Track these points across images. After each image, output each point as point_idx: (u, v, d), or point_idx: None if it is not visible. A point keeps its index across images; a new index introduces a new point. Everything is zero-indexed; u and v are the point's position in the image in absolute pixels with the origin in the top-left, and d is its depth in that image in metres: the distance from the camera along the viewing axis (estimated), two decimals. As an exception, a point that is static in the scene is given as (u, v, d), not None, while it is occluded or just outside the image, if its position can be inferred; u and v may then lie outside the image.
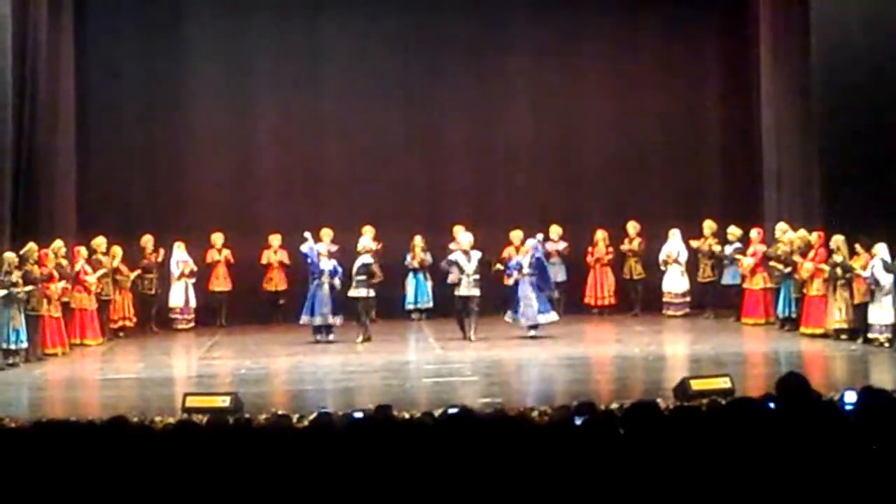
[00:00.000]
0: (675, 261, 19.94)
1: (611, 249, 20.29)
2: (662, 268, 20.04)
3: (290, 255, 19.78)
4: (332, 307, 17.82)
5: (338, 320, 17.87)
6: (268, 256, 20.21)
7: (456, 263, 17.61)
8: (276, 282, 20.24)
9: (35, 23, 18.27)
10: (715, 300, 19.59)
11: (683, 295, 20.00)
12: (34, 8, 18.26)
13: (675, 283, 20.00)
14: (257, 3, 21.09)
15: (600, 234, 20.26)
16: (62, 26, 19.38)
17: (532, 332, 17.47)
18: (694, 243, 19.70)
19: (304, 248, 17.98)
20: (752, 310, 18.82)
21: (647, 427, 5.88)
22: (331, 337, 17.81)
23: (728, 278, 19.35)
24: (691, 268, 19.90)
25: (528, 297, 17.52)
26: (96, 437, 6.27)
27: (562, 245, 20.13)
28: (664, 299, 20.05)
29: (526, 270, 17.58)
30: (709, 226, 19.58)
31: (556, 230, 20.12)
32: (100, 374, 15.91)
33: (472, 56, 21.20)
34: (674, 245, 19.99)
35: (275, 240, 20.14)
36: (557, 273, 19.74)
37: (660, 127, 21.22)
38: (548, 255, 18.99)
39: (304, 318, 17.89)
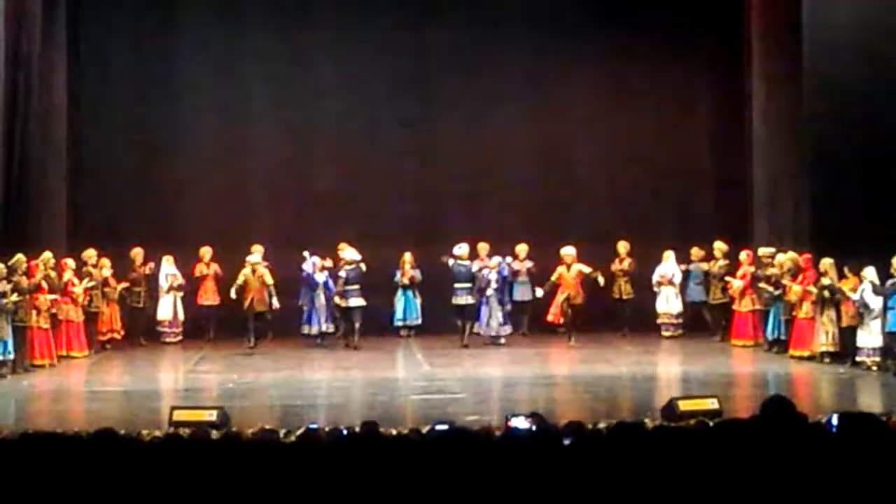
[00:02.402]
0: (670, 282, 19.90)
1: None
2: (656, 289, 19.98)
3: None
4: (326, 316, 19.04)
5: (331, 327, 19.11)
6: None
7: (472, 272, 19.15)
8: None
9: (28, 31, 18.23)
10: (725, 322, 19.39)
11: (677, 316, 19.96)
12: (27, 16, 18.22)
13: (669, 304, 19.96)
14: (251, 14, 21.10)
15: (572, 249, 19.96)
16: (55, 35, 19.38)
17: (493, 342, 18.89)
18: (704, 266, 19.62)
19: (305, 266, 19.00)
20: (741, 331, 18.85)
21: (634, 447, 5.89)
22: (325, 342, 18.99)
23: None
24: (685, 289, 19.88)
25: (494, 309, 18.91)
26: (83, 450, 6.24)
27: (529, 264, 20.09)
28: (659, 321, 20.00)
29: (494, 286, 18.88)
30: (719, 247, 19.50)
31: (522, 249, 20.07)
32: (87, 386, 15.88)
33: (463, 75, 21.19)
34: (668, 267, 19.96)
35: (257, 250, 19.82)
36: (524, 292, 19.84)
37: (651, 148, 21.25)
38: (515, 273, 19.66)
39: (305, 328, 19.12)
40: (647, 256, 20.13)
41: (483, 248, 19.54)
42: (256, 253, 19.23)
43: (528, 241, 20.15)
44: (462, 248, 19.27)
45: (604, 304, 20.03)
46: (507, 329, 19.23)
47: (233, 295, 18.81)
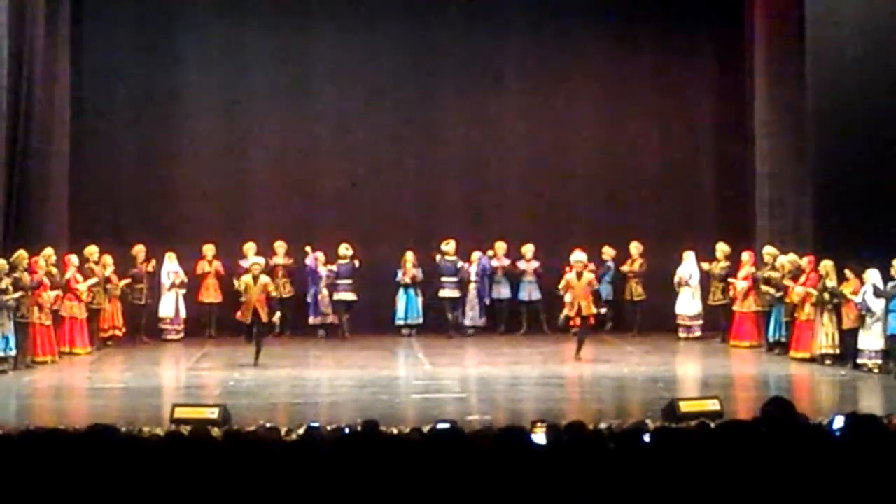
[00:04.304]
0: (687, 283, 19.85)
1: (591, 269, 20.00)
2: (677, 290, 19.95)
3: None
4: (331, 308, 19.96)
5: (334, 319, 19.96)
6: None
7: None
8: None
9: (31, 32, 18.24)
10: (726, 323, 19.33)
11: (694, 318, 19.89)
12: (31, 17, 18.22)
13: (686, 305, 19.90)
14: (253, 16, 21.07)
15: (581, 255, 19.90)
16: (58, 36, 19.35)
17: (471, 332, 20.10)
18: (705, 266, 19.61)
19: (307, 260, 19.74)
20: (742, 332, 18.84)
21: (635, 448, 5.89)
22: (325, 332, 19.98)
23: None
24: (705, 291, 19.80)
25: (473, 302, 20.18)
26: (84, 447, 6.25)
27: (535, 264, 20.18)
28: (677, 321, 19.94)
29: (473, 279, 20.11)
30: (721, 249, 19.48)
31: (529, 249, 20.24)
32: (88, 382, 15.89)
33: (466, 75, 21.19)
34: (687, 267, 19.92)
35: (249, 249, 19.84)
36: (532, 292, 20.05)
37: (653, 151, 21.22)
38: (521, 272, 20.32)
39: (311, 319, 20.11)
40: (648, 257, 20.12)
41: (500, 247, 20.34)
42: (251, 253, 19.26)
43: (530, 242, 20.27)
44: (449, 245, 20.18)
45: (615, 306, 20.05)
46: (482, 322, 20.31)
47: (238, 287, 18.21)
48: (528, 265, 20.27)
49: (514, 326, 20.47)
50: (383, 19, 21.02)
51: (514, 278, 20.37)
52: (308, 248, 19.84)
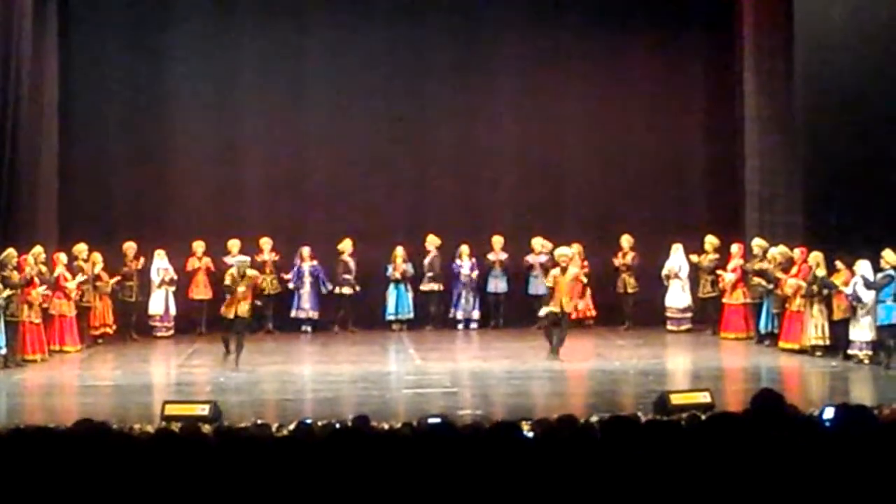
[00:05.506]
0: (676, 275, 19.88)
1: (586, 263, 19.86)
2: (665, 283, 19.99)
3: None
4: (311, 303, 20.12)
5: (315, 314, 20.16)
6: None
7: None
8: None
9: (20, 30, 18.19)
10: (716, 316, 19.38)
11: (684, 310, 19.90)
12: (18, 16, 18.17)
13: (676, 298, 19.92)
14: (242, 13, 21.03)
15: (575, 248, 19.91)
16: (46, 35, 19.32)
17: (461, 327, 20.39)
18: (694, 258, 19.65)
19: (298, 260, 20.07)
20: (731, 324, 18.88)
21: (626, 441, 5.89)
22: (309, 328, 20.10)
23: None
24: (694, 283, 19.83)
25: (468, 297, 20.38)
26: (74, 444, 6.24)
27: (544, 258, 20.15)
28: (666, 314, 19.97)
29: (465, 273, 20.28)
30: (710, 241, 19.51)
31: (538, 242, 20.23)
32: (79, 380, 15.87)
33: (457, 71, 21.13)
34: (676, 260, 19.94)
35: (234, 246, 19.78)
36: (539, 286, 19.93)
37: (644, 144, 21.20)
38: (530, 266, 20.22)
39: (293, 312, 20.16)
40: (639, 250, 20.15)
41: (498, 241, 20.40)
42: (235, 249, 19.33)
43: (514, 235, 20.37)
44: (434, 240, 20.31)
45: (607, 298, 20.07)
46: (476, 315, 20.50)
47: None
48: (537, 259, 20.18)
49: (513, 320, 20.43)
50: (375, 17, 20.97)
51: (523, 272, 20.36)
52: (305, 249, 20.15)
